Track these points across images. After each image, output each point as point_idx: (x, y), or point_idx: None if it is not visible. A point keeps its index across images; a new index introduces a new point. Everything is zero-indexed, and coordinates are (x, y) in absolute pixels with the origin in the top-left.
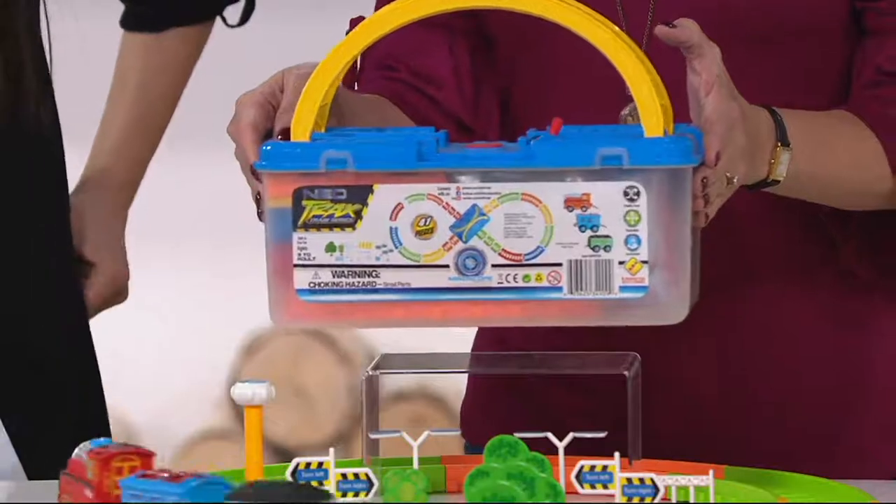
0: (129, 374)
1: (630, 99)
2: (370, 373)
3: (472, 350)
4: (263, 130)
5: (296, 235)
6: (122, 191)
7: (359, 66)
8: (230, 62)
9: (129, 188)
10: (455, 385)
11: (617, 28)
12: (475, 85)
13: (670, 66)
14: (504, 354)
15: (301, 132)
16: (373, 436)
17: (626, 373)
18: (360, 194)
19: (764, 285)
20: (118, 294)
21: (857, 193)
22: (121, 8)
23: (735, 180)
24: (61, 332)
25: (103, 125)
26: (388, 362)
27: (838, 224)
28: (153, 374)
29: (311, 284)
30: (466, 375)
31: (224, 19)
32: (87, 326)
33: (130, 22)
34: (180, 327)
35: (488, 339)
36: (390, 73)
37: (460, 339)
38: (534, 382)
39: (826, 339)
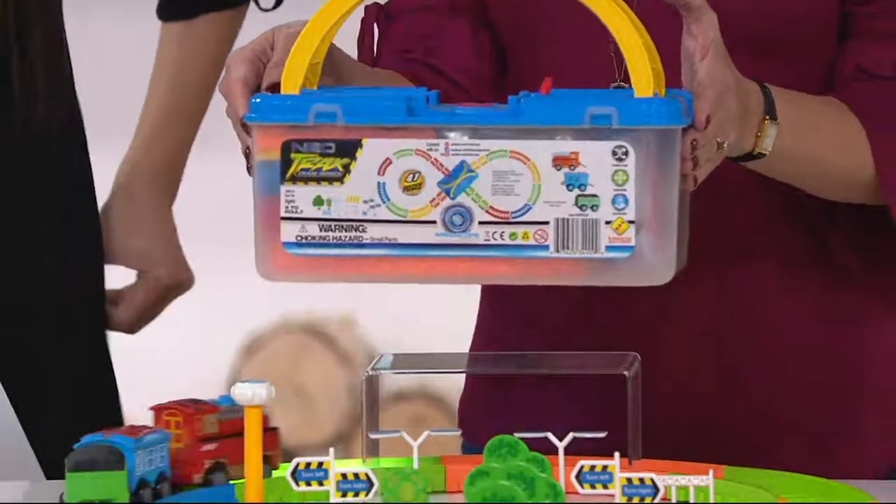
0: (129, 374)
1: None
2: (370, 373)
3: (470, 349)
4: (254, 86)
5: (283, 188)
6: (156, 179)
7: (376, 52)
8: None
9: (166, 178)
10: (455, 385)
11: None
12: (497, 66)
13: (662, 34)
14: (504, 354)
15: (291, 86)
16: (373, 436)
17: (626, 373)
18: (348, 148)
19: (749, 275)
20: (178, 287)
21: (839, 180)
22: (135, 6)
23: (725, 146)
24: (62, 332)
25: (140, 118)
26: (388, 362)
27: (824, 216)
28: (153, 373)
29: (298, 238)
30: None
31: (258, 3)
32: (99, 326)
33: (165, 12)
34: (180, 327)
35: (485, 337)
36: (408, 55)
37: (460, 339)
38: (531, 382)
39: (814, 332)
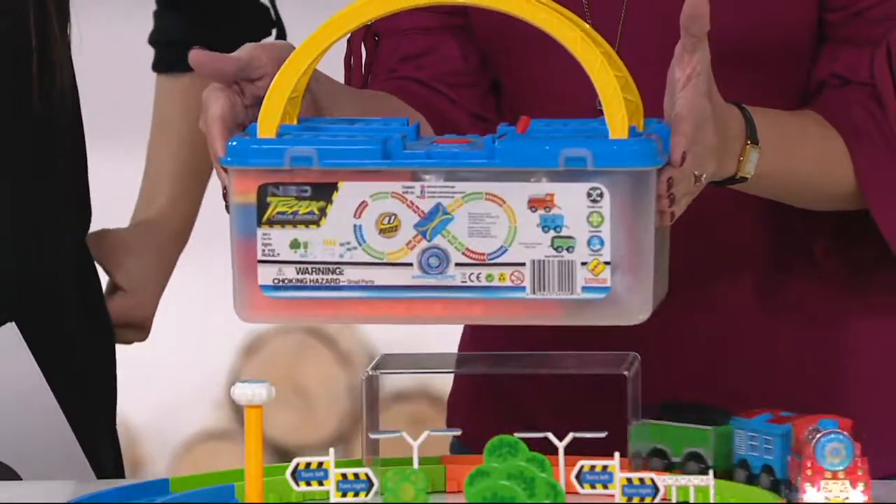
0: (130, 375)
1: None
2: (370, 373)
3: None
4: (232, 122)
5: (260, 231)
6: (177, 237)
7: (365, 73)
8: None
9: (184, 234)
10: None
11: (587, 26)
12: (488, 79)
13: (642, 71)
14: (504, 355)
15: (267, 127)
16: (373, 436)
17: (626, 373)
18: (324, 192)
19: (734, 282)
20: (136, 327)
21: (821, 193)
22: (112, 12)
23: (703, 178)
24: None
25: (151, 174)
26: (388, 362)
27: (807, 221)
28: (153, 374)
29: (276, 281)
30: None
31: None
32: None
33: (164, 64)
34: (180, 327)
35: (471, 342)
36: (397, 73)
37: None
38: (521, 380)
39: (801, 338)
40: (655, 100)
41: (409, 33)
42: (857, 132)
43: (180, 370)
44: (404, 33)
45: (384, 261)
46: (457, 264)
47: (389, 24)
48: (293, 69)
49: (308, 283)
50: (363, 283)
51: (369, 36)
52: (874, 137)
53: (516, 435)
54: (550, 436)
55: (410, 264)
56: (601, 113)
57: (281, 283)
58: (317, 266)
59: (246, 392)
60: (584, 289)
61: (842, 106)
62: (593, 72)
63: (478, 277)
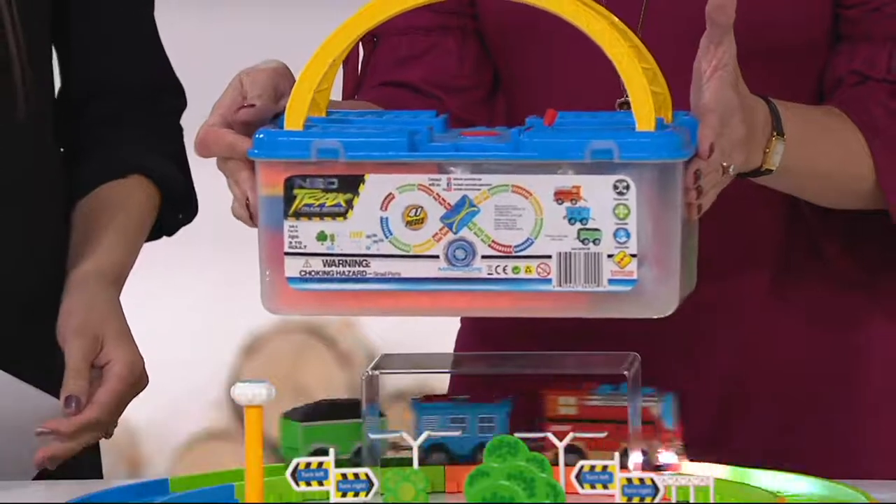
0: None
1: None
2: (370, 373)
3: (456, 344)
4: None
5: (287, 224)
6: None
7: (360, 71)
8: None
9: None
10: None
11: (615, 18)
12: (486, 83)
13: (663, 68)
14: (504, 355)
15: (294, 120)
16: (373, 436)
17: (626, 373)
18: (351, 184)
19: (746, 282)
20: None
21: (842, 190)
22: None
23: (731, 169)
24: None
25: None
26: (388, 362)
27: (820, 220)
28: (153, 374)
29: (302, 273)
30: None
31: None
32: None
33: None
34: (180, 327)
35: (471, 332)
36: (387, 78)
37: None
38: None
39: (812, 339)
40: (677, 95)
41: (407, 32)
42: (876, 129)
43: (180, 370)
44: (402, 33)
45: (410, 253)
46: (483, 256)
47: (387, 25)
48: (320, 62)
49: (335, 276)
50: (389, 276)
51: (367, 37)
52: (893, 135)
53: (516, 435)
54: (551, 436)
55: (437, 256)
56: (621, 107)
57: (308, 275)
58: (343, 258)
59: (246, 392)
60: (611, 281)
61: (861, 103)
62: (621, 64)
63: (504, 270)
